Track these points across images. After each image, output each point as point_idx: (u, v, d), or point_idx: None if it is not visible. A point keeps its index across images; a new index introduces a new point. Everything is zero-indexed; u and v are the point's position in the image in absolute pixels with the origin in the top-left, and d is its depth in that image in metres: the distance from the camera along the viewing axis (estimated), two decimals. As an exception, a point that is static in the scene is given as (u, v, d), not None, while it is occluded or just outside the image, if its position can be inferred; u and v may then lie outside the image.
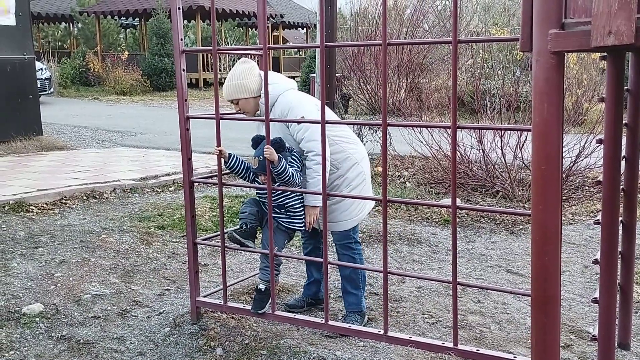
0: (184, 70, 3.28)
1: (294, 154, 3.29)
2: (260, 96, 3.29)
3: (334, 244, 3.60)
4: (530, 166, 1.48)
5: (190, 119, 3.30)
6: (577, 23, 1.41)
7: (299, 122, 3.22)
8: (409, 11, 15.83)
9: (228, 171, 3.41)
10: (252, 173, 3.34)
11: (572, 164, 6.31)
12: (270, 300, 3.20)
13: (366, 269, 3.40)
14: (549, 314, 1.50)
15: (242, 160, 3.36)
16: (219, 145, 3.21)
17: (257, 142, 3.23)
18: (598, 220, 2.51)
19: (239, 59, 3.53)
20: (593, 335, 2.58)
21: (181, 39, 3.26)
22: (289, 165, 3.17)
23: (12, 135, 8.74)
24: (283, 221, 3.30)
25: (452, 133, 2.65)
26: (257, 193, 3.43)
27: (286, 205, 3.28)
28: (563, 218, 5.80)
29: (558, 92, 1.43)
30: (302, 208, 3.34)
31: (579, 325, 3.59)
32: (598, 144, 2.34)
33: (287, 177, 3.12)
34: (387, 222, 3.15)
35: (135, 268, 4.32)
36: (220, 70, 23.42)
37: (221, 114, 3.16)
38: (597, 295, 2.57)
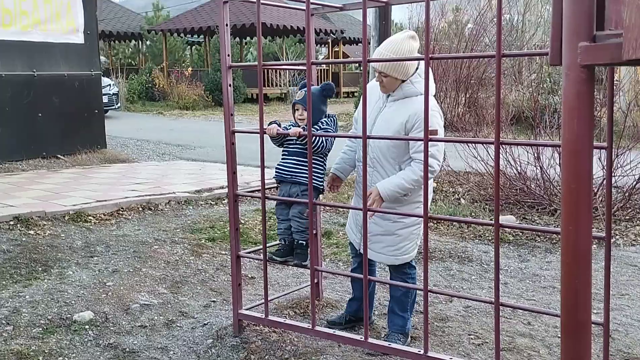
0: (230, 85, 3.34)
1: (333, 117, 3.34)
2: (406, 80, 3.22)
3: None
4: (560, 185, 1.41)
5: (237, 133, 3.36)
6: (609, 35, 1.35)
7: (340, 137, 3.22)
8: (470, 25, 15.63)
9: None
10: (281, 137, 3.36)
11: (635, 182, 6.02)
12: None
13: (406, 287, 3.32)
14: (580, 341, 1.42)
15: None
16: (262, 161, 3.21)
17: (303, 84, 3.34)
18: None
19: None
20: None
21: (228, 55, 3.32)
22: (322, 130, 3.23)
23: (78, 148, 9.11)
24: (302, 178, 3.26)
25: (495, 149, 2.59)
26: (280, 163, 3.40)
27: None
28: (625, 239, 5.54)
29: (589, 107, 1.37)
30: (322, 164, 3.35)
31: (636, 352, 3.40)
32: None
33: (316, 144, 3.17)
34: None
35: (183, 279, 4.39)
36: (280, 86, 23.77)
37: (264, 129, 3.19)
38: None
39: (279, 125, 3.31)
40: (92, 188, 6.80)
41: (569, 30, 1.36)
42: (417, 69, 3.25)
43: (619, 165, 6.15)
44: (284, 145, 3.36)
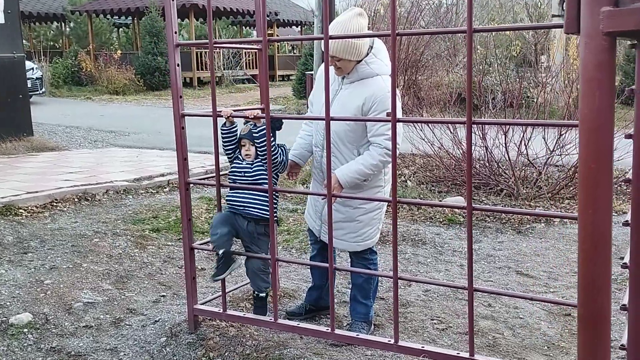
0: (178, 65, 3.10)
1: (283, 147, 3.11)
2: (361, 61, 3.05)
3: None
4: (578, 165, 1.30)
5: (186, 117, 3.12)
6: (634, -1, 1.22)
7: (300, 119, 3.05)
8: (405, 9, 15.65)
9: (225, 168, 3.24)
10: (234, 146, 3.11)
11: (577, 161, 6.15)
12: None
13: (374, 275, 3.21)
14: (598, 332, 1.32)
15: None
16: (216, 147, 3.01)
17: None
18: (627, 221, 2.34)
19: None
20: (622, 345, 2.41)
21: (175, 32, 3.07)
22: (276, 155, 3.01)
23: (2, 136, 8.51)
24: (255, 210, 3.05)
25: (467, 129, 2.49)
26: (231, 172, 3.15)
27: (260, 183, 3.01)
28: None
29: (610, 78, 1.25)
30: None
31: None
32: (627, 139, 2.17)
33: (272, 149, 2.92)
34: (389, 222, 2.93)
35: (129, 273, 4.13)
36: (215, 69, 23.19)
37: (218, 111, 2.97)
38: (625, 301, 2.40)
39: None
40: (20, 179, 6.34)
41: (589, -5, 1.24)
42: (371, 47, 3.10)
43: (561, 145, 6.27)
44: (230, 176, 3.11)
